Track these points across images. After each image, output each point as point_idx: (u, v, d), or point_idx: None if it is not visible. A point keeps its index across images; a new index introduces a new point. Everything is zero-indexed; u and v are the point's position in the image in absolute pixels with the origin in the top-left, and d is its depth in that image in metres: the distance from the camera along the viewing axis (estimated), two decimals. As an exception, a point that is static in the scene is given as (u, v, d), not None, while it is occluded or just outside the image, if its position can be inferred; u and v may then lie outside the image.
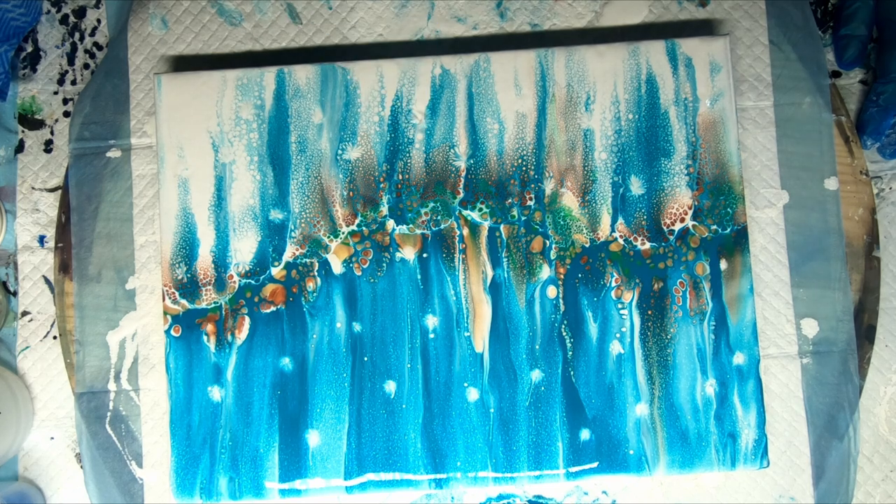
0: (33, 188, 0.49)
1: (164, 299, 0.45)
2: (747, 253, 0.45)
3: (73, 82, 0.50)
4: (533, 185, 0.46)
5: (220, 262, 0.46)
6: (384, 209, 0.46)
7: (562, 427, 0.45)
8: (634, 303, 0.45)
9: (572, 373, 0.45)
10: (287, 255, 0.46)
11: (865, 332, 0.48)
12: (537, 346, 0.45)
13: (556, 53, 0.46)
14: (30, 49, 0.50)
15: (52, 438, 0.48)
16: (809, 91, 0.48)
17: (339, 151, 0.46)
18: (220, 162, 0.46)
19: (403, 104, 0.46)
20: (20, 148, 0.50)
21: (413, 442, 0.45)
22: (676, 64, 0.46)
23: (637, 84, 0.46)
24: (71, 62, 0.50)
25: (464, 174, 0.46)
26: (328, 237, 0.46)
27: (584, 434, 0.45)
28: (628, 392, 0.45)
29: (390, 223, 0.46)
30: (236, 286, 0.46)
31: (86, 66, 0.50)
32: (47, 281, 0.49)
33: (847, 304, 0.47)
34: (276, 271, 0.46)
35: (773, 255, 0.48)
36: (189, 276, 0.46)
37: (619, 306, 0.45)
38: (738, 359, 0.45)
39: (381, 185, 0.46)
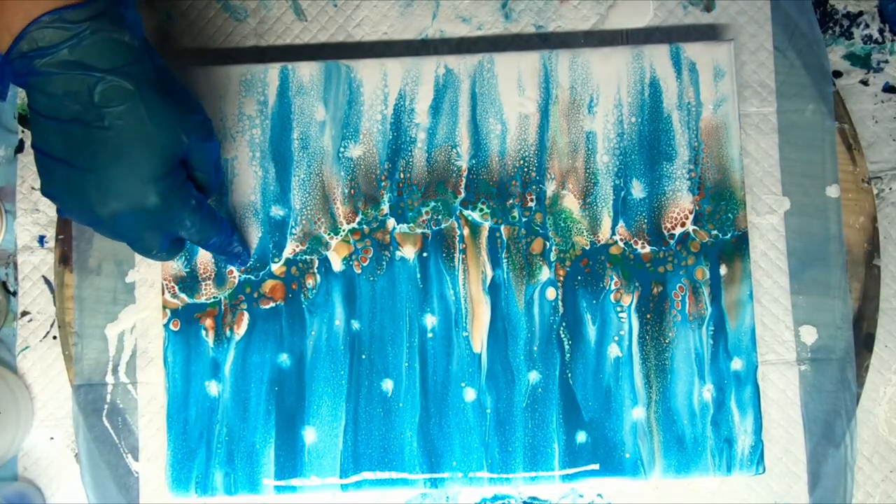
0: (33, 188, 0.49)
1: (163, 293, 0.45)
2: (747, 259, 0.45)
3: None
4: (534, 187, 0.46)
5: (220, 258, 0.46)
6: (385, 207, 0.46)
7: (558, 429, 0.45)
8: (633, 306, 0.45)
9: (570, 375, 0.45)
10: (287, 252, 0.46)
11: (864, 341, 0.48)
12: (535, 348, 0.45)
13: (560, 55, 0.46)
14: None
15: (52, 438, 0.48)
16: (813, 98, 0.48)
17: (341, 149, 0.46)
18: (222, 157, 0.46)
19: (406, 103, 0.46)
20: (20, 148, 0.50)
21: (409, 441, 0.45)
22: (680, 68, 0.46)
23: (640, 87, 0.46)
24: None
25: (465, 174, 0.46)
26: (329, 234, 0.46)
27: (581, 436, 0.45)
28: (625, 395, 0.45)
29: (391, 222, 0.46)
30: (236, 281, 0.46)
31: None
32: (47, 281, 0.49)
33: (846, 311, 0.47)
34: (276, 267, 0.46)
35: (774, 261, 0.48)
36: (189, 270, 0.46)
37: (618, 309, 0.45)
38: (736, 364, 0.45)
39: (383, 184, 0.46)
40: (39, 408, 0.48)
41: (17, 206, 0.49)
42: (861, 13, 0.50)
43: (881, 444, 0.48)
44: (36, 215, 0.49)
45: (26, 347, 0.49)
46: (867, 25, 0.50)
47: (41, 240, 0.49)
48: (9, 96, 0.49)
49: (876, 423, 0.48)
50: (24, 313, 0.49)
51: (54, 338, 0.49)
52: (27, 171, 0.50)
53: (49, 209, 0.49)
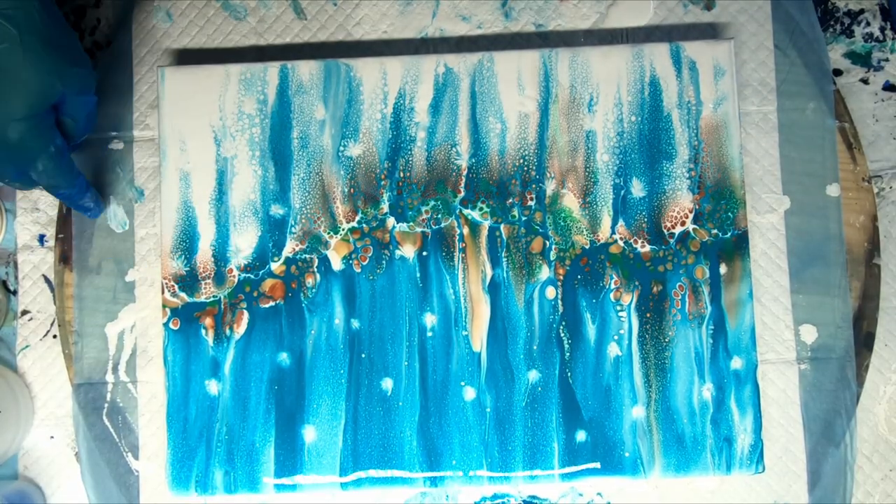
0: None
1: (163, 292, 0.45)
2: (747, 258, 0.45)
3: None
4: (534, 186, 0.46)
5: (220, 256, 0.46)
6: (385, 206, 0.46)
7: (558, 428, 0.45)
8: (633, 305, 0.45)
9: (569, 374, 0.45)
10: (287, 251, 0.46)
11: (864, 340, 0.48)
12: (535, 347, 0.45)
13: (560, 54, 0.46)
14: None
15: (52, 437, 0.48)
16: (813, 97, 0.48)
17: (341, 148, 0.46)
18: (221, 156, 0.46)
19: (406, 102, 0.46)
20: None
21: (409, 440, 0.45)
22: (680, 67, 0.46)
23: (640, 86, 0.46)
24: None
25: (465, 173, 0.46)
26: (328, 233, 0.46)
27: (580, 435, 0.45)
28: (625, 394, 0.45)
29: (390, 221, 0.46)
30: (235, 280, 0.46)
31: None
32: (47, 280, 0.49)
33: (846, 310, 0.47)
34: (276, 266, 0.46)
35: (774, 260, 0.48)
36: (188, 269, 0.46)
37: (618, 308, 0.45)
38: (736, 363, 0.45)
39: (383, 183, 0.46)
40: (40, 407, 0.49)
41: (18, 205, 0.49)
42: (862, 11, 0.50)
43: (881, 442, 0.48)
44: (36, 214, 0.49)
45: (26, 346, 0.49)
46: (868, 23, 0.50)
47: (41, 239, 0.49)
48: None
49: (876, 422, 0.48)
50: (25, 312, 0.49)
51: (54, 337, 0.49)
52: (27, 170, 0.50)
53: (49, 208, 0.49)
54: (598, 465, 0.44)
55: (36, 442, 0.48)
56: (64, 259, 0.48)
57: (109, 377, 0.48)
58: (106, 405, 0.48)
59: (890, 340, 0.48)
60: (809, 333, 0.47)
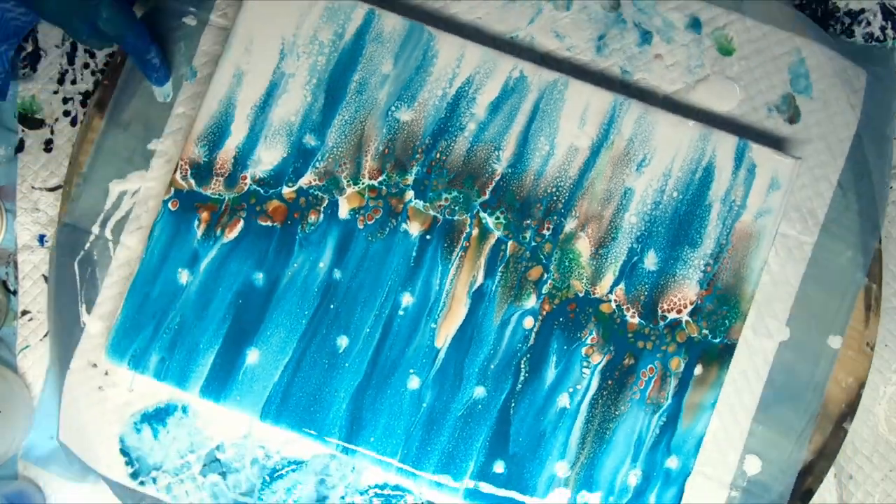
0: (33, 187, 0.50)
1: (175, 171, 0.46)
2: (725, 369, 0.45)
3: (73, 81, 0.50)
4: (555, 218, 0.46)
5: (240, 161, 0.46)
6: (410, 178, 0.46)
7: (481, 449, 0.45)
8: (600, 367, 0.45)
9: (513, 405, 0.45)
10: (303, 181, 0.46)
11: (802, 495, 0.47)
12: (492, 366, 0.45)
13: (633, 105, 0.46)
14: (30, 49, 0.50)
15: (52, 437, 0.48)
16: (854, 246, 0.47)
17: (393, 108, 0.46)
18: (280, 69, 0.47)
19: (471, 90, 0.46)
20: (20, 147, 0.50)
21: (340, 402, 0.45)
22: (740, 164, 0.46)
23: (694, 167, 0.46)
24: (71, 62, 0.51)
25: (497, 178, 0.46)
26: (348, 182, 0.46)
27: (498, 466, 0.44)
28: (556, 446, 0.45)
29: (409, 193, 0.46)
30: (245, 188, 0.46)
31: (86, 65, 0.51)
32: (47, 280, 0.49)
33: (797, 459, 0.46)
34: (287, 192, 0.46)
35: (749, 382, 0.47)
36: (207, 160, 0.46)
37: (584, 364, 0.45)
38: (672, 462, 0.44)
39: (417, 156, 0.46)
40: (39, 406, 0.49)
41: (18, 205, 0.50)
42: (862, 10, 0.49)
43: (881, 442, 0.47)
44: (36, 214, 0.50)
45: (26, 346, 0.49)
46: (868, 23, 0.49)
47: (41, 239, 0.50)
48: (9, 95, 0.49)
49: (875, 422, 0.47)
50: (25, 312, 0.49)
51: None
52: (27, 171, 0.50)
53: (49, 208, 0.50)
54: (503, 500, 0.44)
55: (36, 442, 0.49)
56: (99, 104, 0.49)
57: (95, 229, 0.48)
58: (82, 252, 0.48)
59: (890, 340, 0.47)
60: (753, 465, 0.47)
